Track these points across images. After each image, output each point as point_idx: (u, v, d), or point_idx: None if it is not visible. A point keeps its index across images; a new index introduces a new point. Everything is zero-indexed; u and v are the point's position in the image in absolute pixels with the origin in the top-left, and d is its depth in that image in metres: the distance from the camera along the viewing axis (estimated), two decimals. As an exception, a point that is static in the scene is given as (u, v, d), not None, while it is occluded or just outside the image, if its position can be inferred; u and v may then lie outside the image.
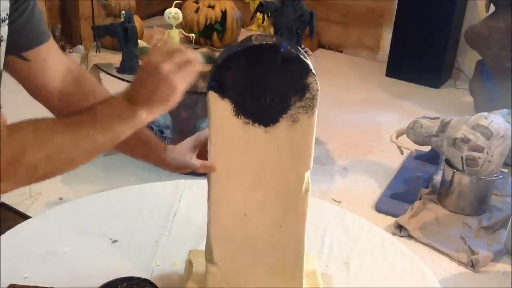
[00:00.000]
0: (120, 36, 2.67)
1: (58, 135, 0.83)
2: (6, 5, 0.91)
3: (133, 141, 1.07)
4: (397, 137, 3.05)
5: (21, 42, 1.00)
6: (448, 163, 2.80)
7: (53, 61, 1.06)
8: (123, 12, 2.71)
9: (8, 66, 1.00)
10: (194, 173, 1.12)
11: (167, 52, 0.88)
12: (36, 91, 1.07)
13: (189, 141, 1.16)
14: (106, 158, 3.08)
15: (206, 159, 1.07)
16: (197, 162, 1.10)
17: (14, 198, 2.72)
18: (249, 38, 0.97)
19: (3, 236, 1.35)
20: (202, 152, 1.12)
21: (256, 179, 1.04)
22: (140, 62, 0.91)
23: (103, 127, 0.85)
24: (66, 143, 0.83)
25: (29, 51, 1.02)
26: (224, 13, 3.01)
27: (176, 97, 0.89)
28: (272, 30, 3.16)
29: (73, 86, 1.08)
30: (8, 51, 0.94)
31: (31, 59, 1.02)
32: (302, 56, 0.96)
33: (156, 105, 0.88)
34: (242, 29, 3.20)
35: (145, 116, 0.88)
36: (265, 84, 0.97)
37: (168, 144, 1.17)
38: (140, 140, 1.11)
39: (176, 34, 2.63)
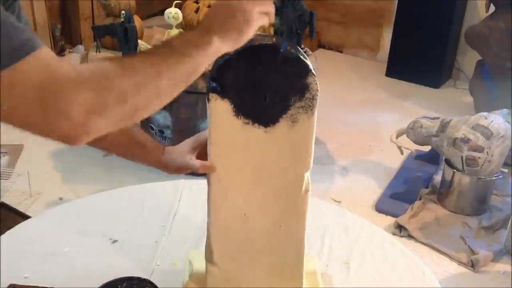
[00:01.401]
0: (120, 36, 2.66)
1: (141, 64, 0.80)
2: None
3: (129, 144, 1.10)
4: (397, 137, 3.05)
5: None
6: (448, 163, 2.80)
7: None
8: (123, 12, 2.71)
9: None
10: (194, 173, 1.13)
11: None
12: None
13: (188, 142, 1.16)
14: (106, 158, 3.08)
15: (205, 159, 1.07)
16: (196, 163, 1.10)
17: (14, 198, 2.72)
18: (249, 38, 0.97)
19: (3, 236, 1.35)
20: (201, 153, 1.12)
21: (256, 179, 1.04)
22: None
23: (182, 55, 0.83)
24: (150, 72, 0.79)
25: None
26: (224, 13, 3.01)
27: (250, 30, 0.88)
28: (272, 30, 3.16)
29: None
30: None
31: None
32: (301, 56, 0.96)
33: (230, 34, 0.87)
34: (242, 29, 3.19)
35: (219, 44, 0.86)
36: (265, 84, 0.97)
37: (168, 145, 1.17)
38: (136, 143, 1.12)
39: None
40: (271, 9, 0.91)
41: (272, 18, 0.92)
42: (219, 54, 0.88)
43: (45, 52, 0.74)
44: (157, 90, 0.80)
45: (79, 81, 0.73)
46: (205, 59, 0.85)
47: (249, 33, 0.89)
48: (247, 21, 0.87)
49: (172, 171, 1.14)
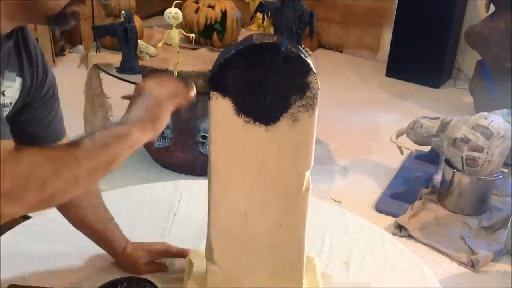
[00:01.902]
0: (120, 36, 2.66)
1: (62, 153, 0.88)
2: (12, 93, 0.99)
3: (98, 234, 1.27)
4: (397, 137, 3.05)
5: (43, 137, 1.12)
6: (448, 163, 2.80)
7: None
8: (123, 12, 2.70)
9: None
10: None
11: (163, 82, 0.97)
12: None
13: (146, 250, 1.30)
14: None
15: (155, 266, 1.29)
16: (145, 268, 1.28)
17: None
18: (250, 37, 0.97)
19: (3, 236, 1.34)
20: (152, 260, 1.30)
21: (256, 178, 1.04)
22: (135, 87, 0.97)
23: (102, 146, 0.90)
24: (69, 161, 0.86)
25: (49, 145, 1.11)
26: (224, 13, 3.01)
27: (165, 120, 0.96)
28: (272, 30, 3.16)
29: None
30: (31, 143, 1.00)
31: None
32: (302, 55, 0.96)
33: (147, 127, 0.94)
34: (242, 29, 3.19)
35: (138, 136, 0.92)
36: (265, 83, 0.97)
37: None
38: (103, 237, 1.27)
39: (176, 34, 2.63)
40: (185, 90, 0.99)
41: (187, 102, 1.00)
42: (140, 144, 0.94)
43: (4, 143, 0.82)
44: (74, 177, 0.86)
45: (5, 168, 0.80)
46: (125, 149, 0.92)
47: (164, 117, 0.96)
48: (158, 107, 0.95)
49: (127, 271, 1.27)
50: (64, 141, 1.17)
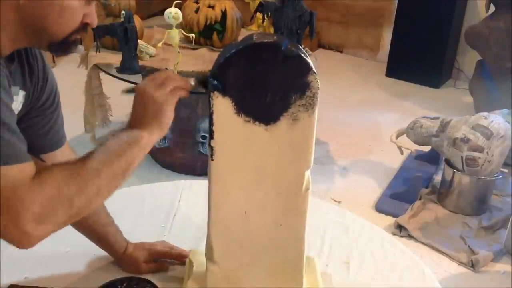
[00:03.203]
0: (120, 36, 2.66)
1: (82, 168, 0.90)
2: (15, 107, 1.01)
3: (99, 236, 1.28)
4: (397, 137, 3.05)
5: (41, 145, 1.13)
6: (448, 163, 2.80)
7: None
8: (123, 12, 2.70)
9: None
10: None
11: (160, 81, 0.98)
12: None
13: (146, 250, 1.30)
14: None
15: (155, 265, 1.29)
16: (146, 267, 1.28)
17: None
18: (250, 36, 0.97)
19: (3, 235, 1.34)
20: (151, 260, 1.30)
21: (256, 177, 1.04)
22: (134, 91, 1.01)
23: (116, 154, 0.93)
24: (90, 174, 0.90)
25: (46, 154, 1.14)
26: (224, 13, 3.01)
27: (169, 117, 0.98)
28: (272, 30, 3.15)
29: None
30: (28, 151, 1.06)
31: (46, 161, 1.14)
32: (302, 55, 0.96)
33: (154, 127, 0.97)
34: (242, 29, 3.19)
35: (147, 137, 0.96)
36: (266, 83, 0.97)
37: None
38: (104, 239, 1.28)
39: (176, 34, 2.63)
40: (182, 82, 0.99)
41: (188, 88, 1.00)
42: (152, 144, 0.98)
43: (26, 168, 0.86)
44: (97, 189, 0.91)
45: (33, 193, 0.84)
46: (138, 153, 0.96)
47: (168, 114, 0.98)
48: (160, 106, 0.97)
49: (127, 271, 1.28)
50: (63, 148, 1.18)
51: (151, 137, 0.96)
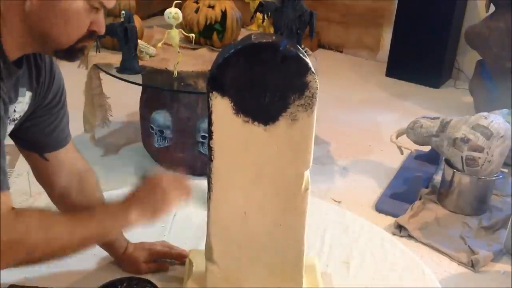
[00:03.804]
0: (120, 36, 2.66)
1: (60, 225, 0.94)
2: (22, 107, 1.03)
3: None
4: (397, 137, 3.05)
5: (46, 144, 1.14)
6: (448, 163, 2.80)
7: (67, 164, 1.20)
8: (123, 12, 2.70)
9: (28, 159, 1.17)
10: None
11: (173, 178, 1.07)
12: (44, 181, 1.22)
13: (146, 251, 1.31)
14: (106, 158, 3.08)
15: (155, 265, 1.29)
16: (146, 267, 1.28)
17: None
18: (249, 36, 0.97)
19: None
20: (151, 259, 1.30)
21: (255, 177, 1.04)
22: (143, 177, 1.09)
23: (98, 221, 0.97)
24: (63, 232, 0.93)
25: (50, 152, 1.15)
26: (224, 13, 3.01)
27: (167, 208, 1.04)
28: (272, 30, 3.15)
29: (76, 192, 1.22)
30: (33, 149, 1.11)
31: (50, 160, 1.15)
32: (301, 55, 0.96)
33: (147, 211, 1.01)
34: (242, 29, 3.19)
35: (135, 217, 0.99)
36: (264, 83, 0.97)
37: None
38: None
39: (176, 34, 2.62)
40: (189, 194, 1.09)
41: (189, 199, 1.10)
42: (136, 225, 1.01)
43: (5, 197, 0.89)
44: (63, 246, 0.94)
45: (3, 223, 0.86)
46: (118, 227, 1.02)
47: (166, 211, 1.04)
48: (165, 200, 1.03)
49: (127, 271, 1.28)
50: (68, 147, 1.19)
51: (139, 219, 1.01)
